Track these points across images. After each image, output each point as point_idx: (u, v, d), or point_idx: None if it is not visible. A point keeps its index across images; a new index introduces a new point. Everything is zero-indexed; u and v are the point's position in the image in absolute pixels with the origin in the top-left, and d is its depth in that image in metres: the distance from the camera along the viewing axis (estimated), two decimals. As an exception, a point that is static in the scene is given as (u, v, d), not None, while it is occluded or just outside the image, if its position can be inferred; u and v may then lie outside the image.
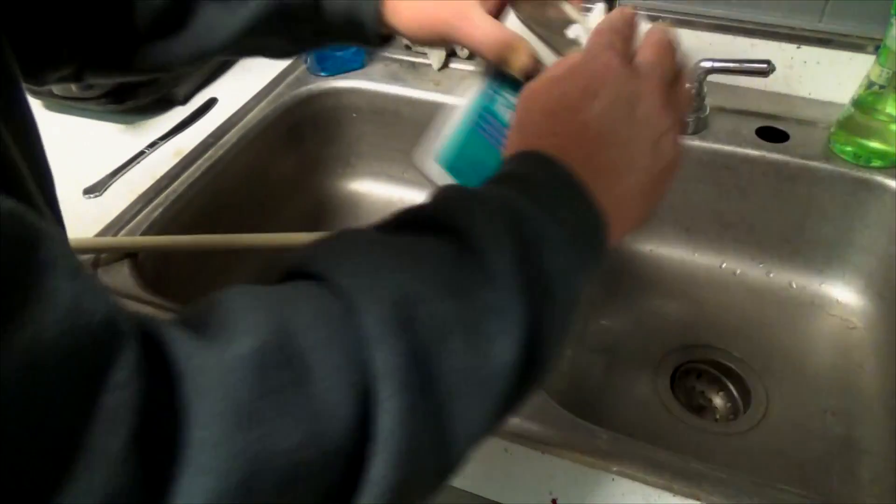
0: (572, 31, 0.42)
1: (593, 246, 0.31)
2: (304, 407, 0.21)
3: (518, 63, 0.42)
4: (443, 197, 0.30)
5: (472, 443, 0.26)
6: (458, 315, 0.25)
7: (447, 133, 0.47)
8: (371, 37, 0.47)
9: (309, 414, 0.21)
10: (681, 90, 0.36)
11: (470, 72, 0.85)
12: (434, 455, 0.24)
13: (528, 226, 0.28)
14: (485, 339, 0.25)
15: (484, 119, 0.46)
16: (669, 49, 0.36)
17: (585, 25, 0.42)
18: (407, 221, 0.30)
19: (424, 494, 0.26)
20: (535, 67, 0.42)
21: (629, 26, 0.37)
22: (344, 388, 0.22)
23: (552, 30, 0.44)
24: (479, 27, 0.43)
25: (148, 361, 0.19)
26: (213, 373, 0.20)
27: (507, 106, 0.45)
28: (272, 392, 0.21)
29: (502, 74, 0.44)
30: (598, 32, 0.36)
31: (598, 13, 0.43)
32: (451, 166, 0.47)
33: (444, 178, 0.47)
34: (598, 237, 0.31)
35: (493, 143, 0.45)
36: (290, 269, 0.27)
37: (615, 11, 0.40)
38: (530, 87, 0.37)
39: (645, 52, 0.36)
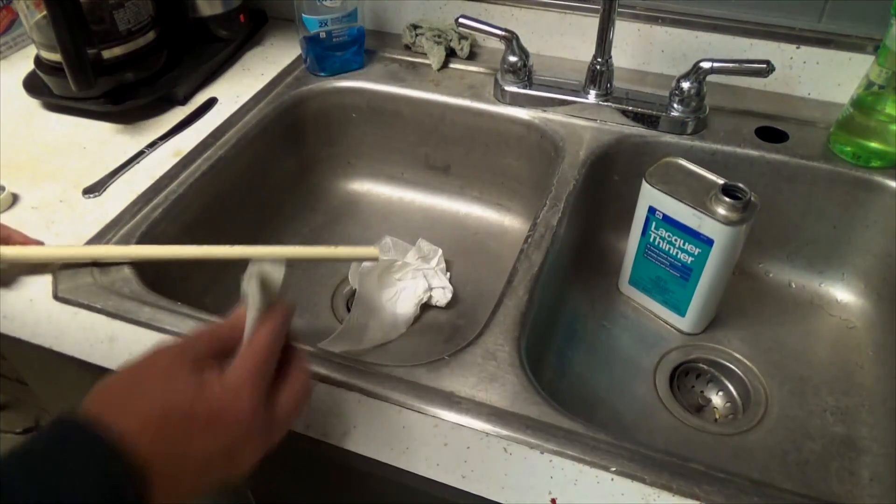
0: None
1: None
2: None
3: None
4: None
5: None
6: None
7: (627, 265, 0.73)
8: None
9: None
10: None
11: (468, 72, 0.85)
12: None
13: None
14: None
15: (645, 250, 0.69)
16: (307, 397, 0.38)
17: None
18: None
19: None
20: None
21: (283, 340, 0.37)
22: None
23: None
24: None
25: None
26: None
27: (661, 238, 0.66)
28: None
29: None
30: (258, 349, 0.35)
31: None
32: (636, 284, 0.74)
33: (634, 293, 0.74)
34: None
35: (656, 262, 0.69)
36: None
37: (280, 313, 0.37)
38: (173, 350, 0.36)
39: (287, 401, 0.36)
